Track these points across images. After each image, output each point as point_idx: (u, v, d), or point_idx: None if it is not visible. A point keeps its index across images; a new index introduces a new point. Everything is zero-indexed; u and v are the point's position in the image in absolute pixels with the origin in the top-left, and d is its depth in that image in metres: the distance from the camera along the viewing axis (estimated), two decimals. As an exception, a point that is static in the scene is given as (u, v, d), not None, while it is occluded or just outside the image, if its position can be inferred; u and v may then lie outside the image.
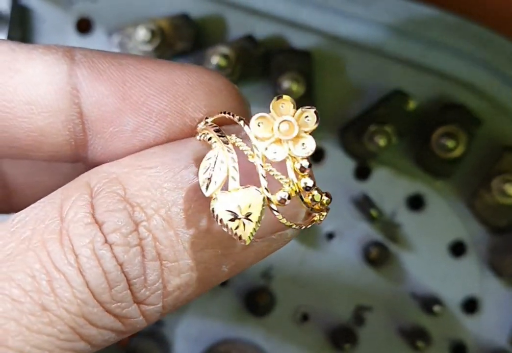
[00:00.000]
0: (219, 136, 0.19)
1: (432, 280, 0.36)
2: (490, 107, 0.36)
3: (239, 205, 0.19)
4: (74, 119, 0.21)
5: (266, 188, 0.19)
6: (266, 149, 0.19)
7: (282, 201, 0.19)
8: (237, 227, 0.19)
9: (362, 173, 0.36)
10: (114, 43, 0.37)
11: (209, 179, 0.19)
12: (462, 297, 0.36)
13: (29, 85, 0.21)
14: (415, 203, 0.36)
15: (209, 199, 0.19)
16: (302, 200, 0.19)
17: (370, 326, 0.36)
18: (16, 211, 0.26)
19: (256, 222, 0.19)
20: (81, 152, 0.22)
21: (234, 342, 0.36)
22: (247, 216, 0.18)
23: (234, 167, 0.19)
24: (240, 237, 0.18)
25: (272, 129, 0.19)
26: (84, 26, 0.38)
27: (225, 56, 0.36)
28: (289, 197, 0.19)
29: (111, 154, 0.22)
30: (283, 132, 0.19)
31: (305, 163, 0.19)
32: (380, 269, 0.36)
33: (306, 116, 0.19)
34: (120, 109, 0.21)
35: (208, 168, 0.19)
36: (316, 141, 0.19)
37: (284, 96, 0.19)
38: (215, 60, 0.36)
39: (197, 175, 0.19)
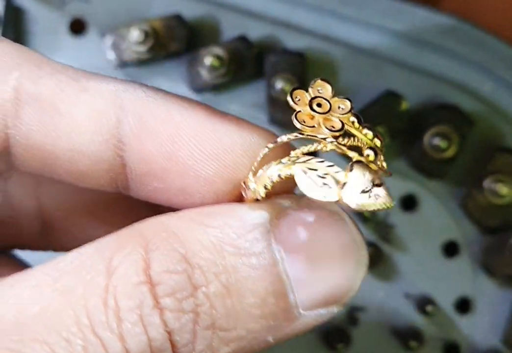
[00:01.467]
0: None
1: (425, 280, 0.36)
2: (483, 108, 0.36)
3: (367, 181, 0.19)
4: (117, 169, 0.20)
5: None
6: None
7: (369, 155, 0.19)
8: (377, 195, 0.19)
9: (355, 173, 0.37)
10: (107, 44, 0.37)
11: (324, 184, 0.18)
12: (455, 297, 0.36)
13: (73, 134, 0.19)
14: (408, 203, 0.36)
15: (271, 267, 0.18)
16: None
17: (363, 326, 0.36)
18: (54, 248, 0.24)
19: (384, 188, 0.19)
20: (123, 190, 0.21)
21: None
22: (374, 185, 0.19)
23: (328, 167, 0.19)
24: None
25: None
26: (77, 27, 0.38)
27: (218, 57, 0.36)
28: (373, 150, 0.19)
29: (156, 201, 0.21)
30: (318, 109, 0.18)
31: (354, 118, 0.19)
32: (373, 269, 0.36)
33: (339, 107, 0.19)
34: (167, 169, 0.20)
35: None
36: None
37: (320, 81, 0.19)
38: (209, 60, 0.36)
39: (260, 241, 0.18)
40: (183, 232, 0.18)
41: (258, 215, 0.19)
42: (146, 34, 0.36)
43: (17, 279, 0.18)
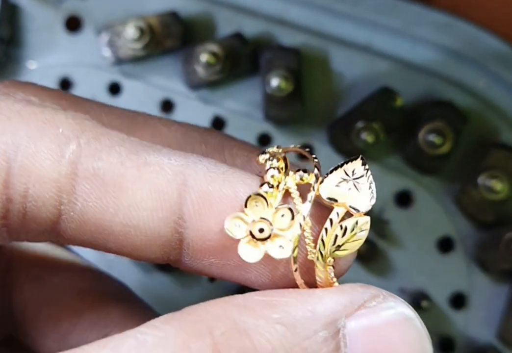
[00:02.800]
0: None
1: (420, 276, 0.36)
2: (477, 104, 0.36)
3: None
4: (173, 245, 0.19)
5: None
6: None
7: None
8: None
9: (351, 169, 0.37)
10: (103, 41, 0.37)
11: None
12: (449, 293, 0.36)
13: (133, 210, 0.19)
14: (403, 199, 0.36)
15: None
16: None
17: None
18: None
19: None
20: (173, 262, 0.20)
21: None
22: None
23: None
24: None
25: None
26: (73, 24, 0.38)
27: (214, 54, 0.36)
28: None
29: (208, 274, 0.20)
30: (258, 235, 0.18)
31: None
32: (368, 265, 0.36)
33: (282, 215, 0.18)
34: (227, 247, 0.19)
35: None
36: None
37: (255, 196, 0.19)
38: (204, 57, 0.36)
39: (330, 343, 0.18)
40: (254, 329, 0.17)
41: (330, 311, 0.18)
42: (142, 31, 0.36)
43: None
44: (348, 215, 0.19)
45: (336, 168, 0.19)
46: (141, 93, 0.38)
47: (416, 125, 0.35)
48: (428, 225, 0.36)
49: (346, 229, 0.19)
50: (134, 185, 0.19)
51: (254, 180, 0.19)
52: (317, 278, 0.19)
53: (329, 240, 0.18)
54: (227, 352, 0.17)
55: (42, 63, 0.38)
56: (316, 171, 0.19)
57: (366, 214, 0.19)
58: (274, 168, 0.19)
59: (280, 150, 0.20)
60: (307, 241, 0.19)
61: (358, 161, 0.19)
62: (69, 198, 0.19)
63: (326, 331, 0.18)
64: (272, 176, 0.19)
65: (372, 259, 0.36)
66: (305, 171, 0.19)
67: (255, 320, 0.17)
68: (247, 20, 0.37)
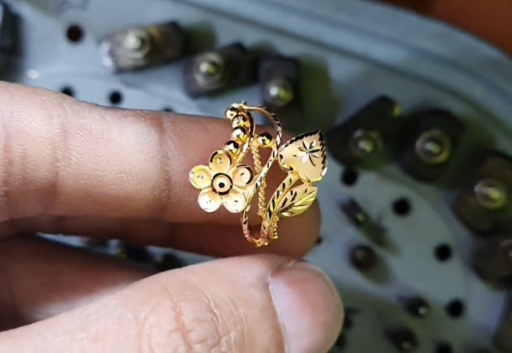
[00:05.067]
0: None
1: (418, 283, 0.36)
2: (474, 112, 0.36)
3: None
4: (161, 186, 0.21)
5: None
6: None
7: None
8: None
9: (349, 178, 0.37)
10: (104, 51, 0.37)
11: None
12: (447, 300, 0.36)
13: (122, 155, 0.21)
14: (401, 207, 0.37)
15: (273, 320, 0.21)
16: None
17: (357, 328, 0.36)
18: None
19: None
20: (158, 213, 0.22)
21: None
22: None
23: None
24: None
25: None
26: (74, 34, 0.38)
27: (213, 63, 0.36)
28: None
29: (192, 216, 0.22)
30: (218, 188, 0.20)
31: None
32: (366, 272, 0.36)
33: (242, 173, 0.20)
34: None
35: None
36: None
37: (220, 152, 0.21)
38: (204, 67, 0.36)
39: (262, 295, 0.21)
40: (202, 285, 0.20)
41: (258, 271, 0.21)
42: (142, 41, 0.37)
43: (43, 327, 0.19)
44: (299, 183, 0.21)
45: (296, 139, 0.21)
46: (142, 102, 0.38)
47: (413, 133, 0.36)
48: (426, 232, 0.36)
49: (295, 194, 0.21)
50: (119, 133, 0.21)
51: (222, 121, 0.22)
52: (262, 231, 0.21)
53: (278, 202, 0.21)
54: (184, 301, 0.19)
55: (43, 73, 0.38)
56: (278, 138, 0.21)
57: (315, 185, 0.21)
58: (240, 127, 0.21)
59: (245, 107, 0.22)
60: (259, 200, 0.21)
61: (317, 136, 0.21)
62: (64, 154, 0.20)
63: (258, 285, 0.21)
64: (238, 136, 0.21)
65: (370, 266, 0.36)
66: (268, 136, 0.21)
67: (200, 278, 0.20)
68: (246, 30, 0.37)
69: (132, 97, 0.38)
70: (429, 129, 0.35)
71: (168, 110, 0.38)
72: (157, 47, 0.37)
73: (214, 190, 0.20)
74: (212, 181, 0.20)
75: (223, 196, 0.20)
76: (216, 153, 0.20)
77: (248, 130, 0.21)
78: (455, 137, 0.35)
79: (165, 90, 0.38)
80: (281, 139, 0.21)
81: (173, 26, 0.37)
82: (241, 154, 0.21)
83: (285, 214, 0.21)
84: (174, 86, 0.38)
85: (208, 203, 0.20)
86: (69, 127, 0.20)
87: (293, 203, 0.21)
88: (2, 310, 0.25)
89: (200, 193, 0.20)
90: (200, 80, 0.37)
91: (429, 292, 0.36)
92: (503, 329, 0.35)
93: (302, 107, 0.37)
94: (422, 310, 0.35)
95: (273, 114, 0.22)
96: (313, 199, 0.21)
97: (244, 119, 0.21)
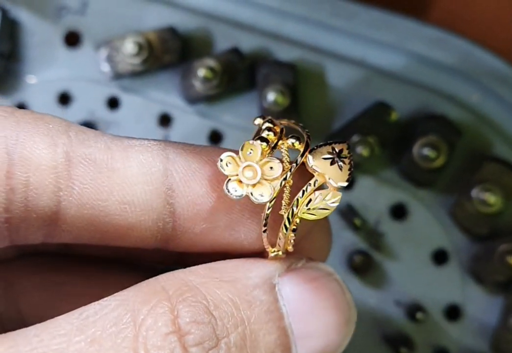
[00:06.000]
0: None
1: (415, 288, 0.36)
2: (470, 117, 0.36)
3: None
4: (166, 218, 0.21)
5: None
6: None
7: None
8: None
9: (346, 183, 0.37)
10: (102, 56, 0.37)
11: None
12: (444, 304, 0.36)
13: (126, 186, 0.21)
14: (398, 212, 0.37)
15: (279, 321, 0.20)
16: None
17: (354, 333, 0.36)
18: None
19: None
20: (163, 243, 0.22)
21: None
22: None
23: None
24: None
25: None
26: (72, 39, 0.38)
27: (211, 69, 0.36)
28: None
29: (198, 246, 0.22)
30: (248, 177, 0.20)
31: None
32: (364, 277, 0.37)
33: (271, 167, 0.20)
34: (215, 208, 0.21)
35: None
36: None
37: (254, 142, 0.21)
38: (202, 72, 0.36)
39: (268, 297, 0.20)
40: (202, 286, 0.20)
41: (265, 271, 0.21)
42: (140, 47, 0.37)
43: (41, 329, 0.18)
44: (323, 187, 0.21)
45: (325, 144, 0.21)
46: (140, 107, 0.38)
47: (410, 139, 0.36)
48: (423, 237, 0.37)
49: (319, 196, 0.21)
50: (123, 164, 0.21)
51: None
52: (280, 235, 0.21)
53: (303, 202, 0.20)
54: (182, 303, 0.19)
55: (41, 78, 0.38)
56: (307, 139, 0.21)
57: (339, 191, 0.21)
58: (270, 129, 0.21)
59: (275, 120, 0.22)
60: (284, 196, 0.21)
61: (345, 145, 0.21)
62: (67, 183, 0.20)
63: (264, 286, 0.20)
64: (268, 135, 0.21)
65: (367, 271, 0.36)
66: (297, 138, 0.21)
67: (201, 279, 0.20)
68: (244, 35, 0.38)
69: (130, 102, 0.38)
70: (426, 134, 0.35)
71: (165, 115, 0.38)
72: (155, 52, 0.37)
73: (240, 180, 0.20)
74: (241, 171, 0.20)
75: (250, 186, 0.20)
76: (247, 142, 0.20)
77: (277, 134, 0.21)
78: (452, 142, 0.35)
79: (163, 95, 0.38)
80: (309, 142, 0.21)
81: (171, 32, 0.37)
82: (270, 152, 0.21)
83: (307, 215, 0.21)
84: (172, 91, 0.38)
85: (234, 191, 0.20)
86: (74, 156, 0.20)
87: (316, 206, 0.21)
88: (10, 326, 0.25)
89: (227, 180, 0.20)
90: (198, 85, 0.37)
91: (427, 296, 0.36)
92: (500, 333, 0.35)
93: (299, 112, 0.37)
94: (419, 315, 0.35)
95: (301, 124, 0.22)
96: (336, 204, 0.21)
97: (274, 125, 0.21)
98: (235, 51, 0.37)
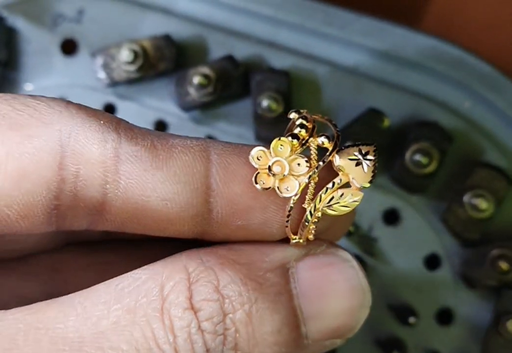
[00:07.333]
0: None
1: (408, 292, 0.37)
2: (462, 124, 0.37)
3: None
4: (204, 214, 0.22)
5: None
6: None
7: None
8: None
9: (339, 188, 0.37)
10: (98, 64, 0.38)
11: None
12: (436, 309, 0.37)
13: (168, 184, 0.22)
14: (391, 217, 0.37)
15: (288, 302, 0.22)
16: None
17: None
18: None
19: None
20: (199, 235, 0.23)
21: None
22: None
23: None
24: None
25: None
26: (68, 47, 0.39)
27: (205, 76, 0.37)
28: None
29: (232, 238, 0.23)
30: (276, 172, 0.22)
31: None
32: (357, 281, 0.37)
33: (298, 163, 0.22)
34: (251, 207, 0.22)
35: None
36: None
37: (283, 139, 0.22)
38: (196, 79, 0.37)
39: (280, 279, 0.22)
40: (218, 267, 0.22)
41: (281, 256, 0.22)
42: (136, 54, 0.37)
43: (84, 296, 0.21)
44: (347, 186, 0.22)
45: (353, 145, 0.22)
46: (135, 114, 0.38)
47: (402, 145, 0.36)
48: (416, 242, 0.37)
49: (342, 195, 0.22)
50: (167, 163, 0.22)
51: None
52: (301, 225, 0.22)
53: (325, 198, 0.22)
54: (196, 284, 0.21)
55: (38, 85, 0.39)
56: (336, 139, 0.22)
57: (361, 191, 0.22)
58: (302, 125, 0.22)
59: (309, 115, 0.23)
60: (308, 192, 0.22)
61: (372, 147, 0.22)
62: (114, 178, 0.22)
63: (277, 270, 0.22)
64: (300, 132, 0.22)
65: (361, 276, 0.37)
66: (327, 137, 0.22)
67: (218, 259, 0.22)
68: (238, 43, 0.38)
69: (125, 109, 0.39)
70: (418, 141, 0.36)
71: (161, 122, 0.39)
72: (151, 60, 0.38)
73: (269, 173, 0.21)
74: (270, 165, 0.21)
75: (277, 180, 0.21)
76: (278, 138, 0.22)
77: (309, 130, 0.22)
78: (444, 148, 0.36)
79: (158, 102, 0.38)
80: (338, 142, 0.22)
81: (166, 40, 0.38)
82: (299, 149, 0.22)
83: (328, 210, 0.22)
84: (167, 98, 0.38)
85: (263, 184, 0.21)
86: (121, 153, 0.22)
87: (338, 202, 0.22)
88: None
89: (256, 172, 0.22)
90: (193, 92, 0.37)
91: (419, 301, 0.37)
92: (492, 337, 0.35)
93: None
94: (411, 319, 0.36)
95: (334, 122, 0.23)
96: (357, 203, 0.22)
97: (307, 121, 0.22)
98: (229, 59, 0.37)
